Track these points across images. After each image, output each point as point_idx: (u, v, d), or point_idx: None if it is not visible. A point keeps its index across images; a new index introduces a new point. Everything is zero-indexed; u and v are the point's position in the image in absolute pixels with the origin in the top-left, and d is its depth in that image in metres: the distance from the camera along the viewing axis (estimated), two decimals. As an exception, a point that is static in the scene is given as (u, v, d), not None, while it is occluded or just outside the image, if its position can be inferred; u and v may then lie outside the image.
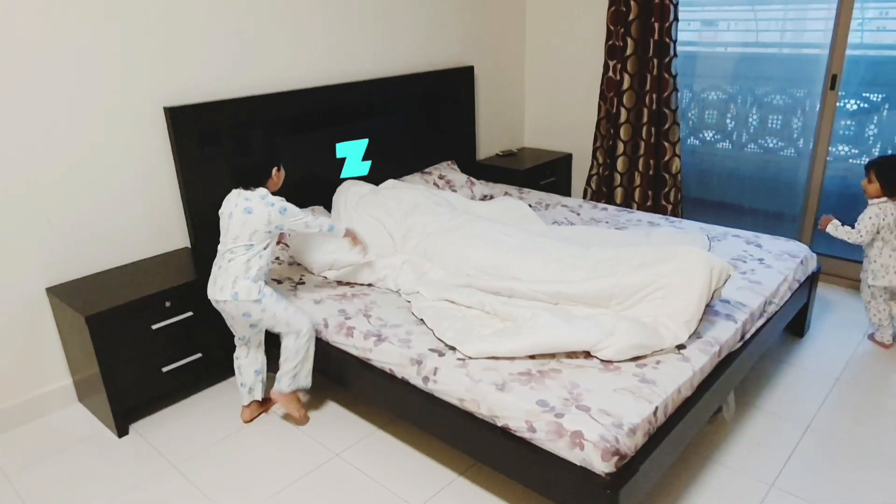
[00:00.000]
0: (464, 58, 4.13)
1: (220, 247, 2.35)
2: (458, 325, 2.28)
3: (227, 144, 2.97)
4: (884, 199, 2.76)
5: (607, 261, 2.49)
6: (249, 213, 2.28)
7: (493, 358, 2.10)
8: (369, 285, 2.74)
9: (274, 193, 2.38)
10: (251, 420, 2.58)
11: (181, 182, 2.87)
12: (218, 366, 2.78)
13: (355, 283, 2.76)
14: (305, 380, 2.46)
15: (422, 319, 2.39)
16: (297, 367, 2.42)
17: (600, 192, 4.26)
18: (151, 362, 2.56)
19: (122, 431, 2.53)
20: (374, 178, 3.61)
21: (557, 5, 4.32)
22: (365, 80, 3.52)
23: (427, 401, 2.13)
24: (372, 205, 3.09)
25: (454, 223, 2.89)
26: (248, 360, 2.53)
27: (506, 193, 3.88)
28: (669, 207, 4.02)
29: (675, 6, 3.68)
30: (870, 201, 2.79)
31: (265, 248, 2.34)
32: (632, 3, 3.76)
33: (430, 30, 3.86)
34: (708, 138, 4.19)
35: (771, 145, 3.95)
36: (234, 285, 2.27)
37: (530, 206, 3.64)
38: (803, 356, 2.90)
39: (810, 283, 2.91)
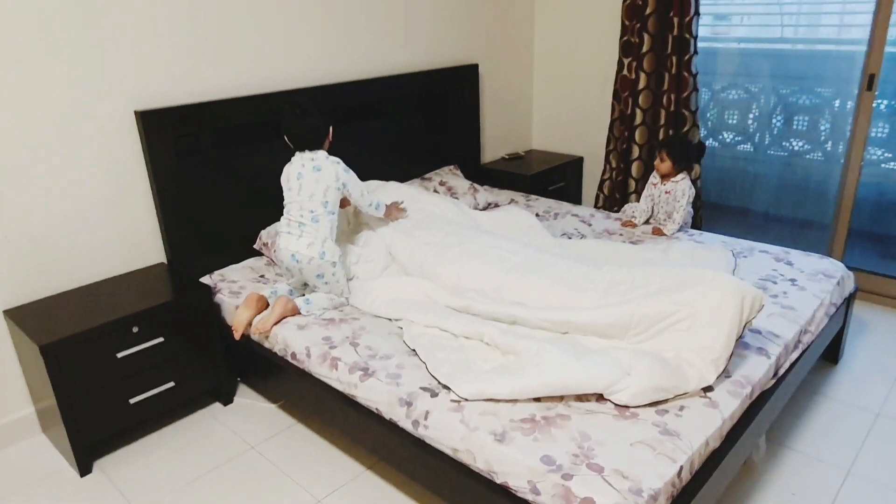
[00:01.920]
0: (468, 55, 3.86)
1: (290, 206, 2.45)
2: (455, 359, 2.02)
3: (206, 150, 2.73)
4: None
5: (622, 284, 2.22)
6: (319, 171, 2.43)
7: (493, 400, 1.85)
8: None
9: None
10: (248, 315, 2.43)
11: (155, 192, 2.63)
12: (193, 395, 2.54)
13: (343, 309, 2.51)
14: (316, 308, 2.45)
15: (414, 350, 2.14)
16: (316, 302, 2.44)
17: (613, 198, 3.99)
18: (117, 393, 2.32)
19: (84, 469, 2.29)
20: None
21: (568, -2, 4.04)
22: (359, 79, 3.27)
23: (417, 447, 1.88)
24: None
25: (454, 237, 2.63)
26: (287, 287, 2.56)
27: (511, 201, 3.62)
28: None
29: (696, -1, 3.40)
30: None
31: (335, 214, 2.47)
32: (648, -5, 3.48)
33: (430, 26, 3.59)
34: (728, 140, 3.91)
35: (796, 148, 3.67)
36: (324, 245, 2.41)
37: (538, 215, 3.38)
38: (838, 386, 2.63)
39: (846, 304, 2.63)
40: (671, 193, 3.06)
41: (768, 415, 2.01)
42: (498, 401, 1.84)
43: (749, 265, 2.66)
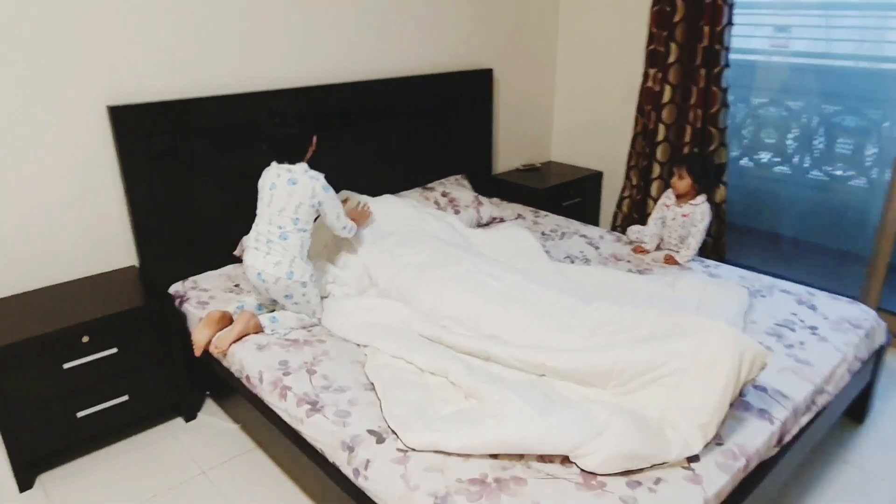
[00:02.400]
0: (482, 59, 3.63)
1: (259, 219, 2.28)
2: (413, 399, 1.81)
3: (185, 149, 2.58)
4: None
5: (610, 323, 1.98)
6: (294, 185, 2.23)
7: (443, 452, 1.63)
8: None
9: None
10: (208, 334, 2.24)
11: (126, 192, 2.48)
12: (150, 410, 2.39)
13: (311, 329, 2.32)
14: (282, 327, 2.28)
15: (373, 384, 1.94)
16: (283, 321, 2.27)
17: (631, 217, 3.71)
18: (63, 407, 2.18)
19: (24, 484, 2.16)
20: (367, 192, 3.16)
21: (595, 1, 3.77)
22: (362, 80, 3.08)
23: (358, 500, 1.67)
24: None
25: (437, 258, 2.42)
26: (255, 302, 2.40)
27: (518, 216, 3.38)
28: (710, 243, 3.44)
29: (731, 7, 3.10)
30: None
31: (308, 231, 2.29)
32: (677, 1, 3.19)
33: (442, 26, 3.38)
34: (763, 160, 3.59)
35: (838, 173, 3.34)
36: (292, 264, 2.23)
37: (543, 234, 3.14)
38: (863, 451, 2.32)
39: (876, 358, 2.32)
40: (689, 217, 2.79)
41: (768, 491, 1.74)
42: (449, 454, 1.62)
43: (766, 306, 2.37)
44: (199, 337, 2.23)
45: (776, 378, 1.93)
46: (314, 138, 2.31)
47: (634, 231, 3.03)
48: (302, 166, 2.28)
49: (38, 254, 2.39)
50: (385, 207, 2.78)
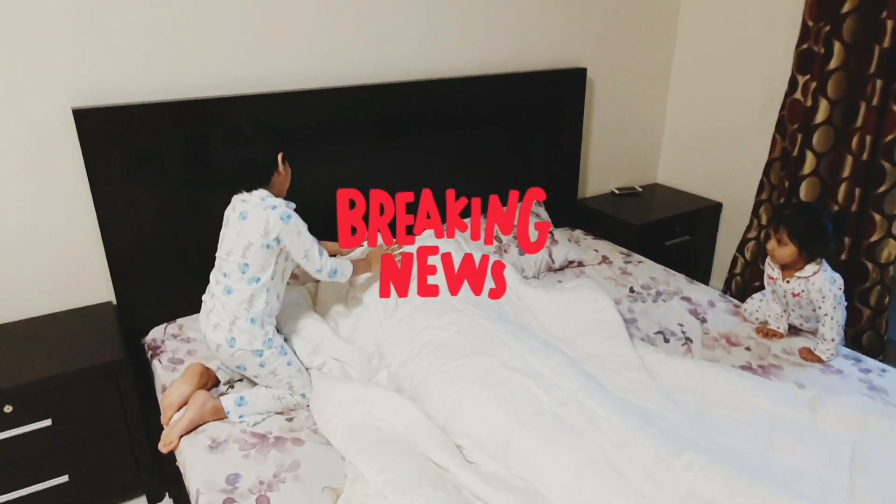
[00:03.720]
0: (572, 54, 2.89)
1: (216, 266, 1.77)
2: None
3: (173, 162, 2.06)
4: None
5: (704, 496, 1.25)
6: (244, 220, 1.69)
7: None
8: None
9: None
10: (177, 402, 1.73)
11: (98, 212, 1.99)
12: (92, 492, 1.91)
13: (294, 415, 1.74)
14: (252, 411, 1.72)
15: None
16: (253, 402, 1.72)
17: (755, 268, 2.85)
18: (-21, 490, 1.74)
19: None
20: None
21: (730, -15, 2.92)
22: (414, 80, 2.44)
23: None
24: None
25: (467, 338, 1.76)
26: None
27: (602, 260, 2.64)
28: (868, 315, 2.54)
29: (931, -7, 2.19)
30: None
31: (272, 279, 1.72)
32: (850, -15, 2.31)
33: (517, 12, 2.67)
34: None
35: None
36: (233, 327, 1.68)
37: (632, 290, 2.39)
38: None
39: None
40: (801, 297, 1.99)
41: None
42: None
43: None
44: (170, 399, 1.72)
45: None
46: (279, 159, 1.74)
47: (755, 303, 2.20)
48: (258, 194, 1.72)
49: (-11, 285, 1.97)
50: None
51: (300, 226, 1.72)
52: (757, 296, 2.20)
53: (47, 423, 1.77)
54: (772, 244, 1.99)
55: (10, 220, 1.94)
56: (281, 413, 1.75)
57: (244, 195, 1.73)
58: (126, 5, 1.91)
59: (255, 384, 1.80)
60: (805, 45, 2.52)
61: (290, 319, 1.89)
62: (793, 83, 2.59)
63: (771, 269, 2.06)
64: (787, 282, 2.00)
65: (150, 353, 2.03)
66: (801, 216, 1.96)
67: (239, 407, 1.71)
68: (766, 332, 2.09)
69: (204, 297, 1.78)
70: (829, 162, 2.52)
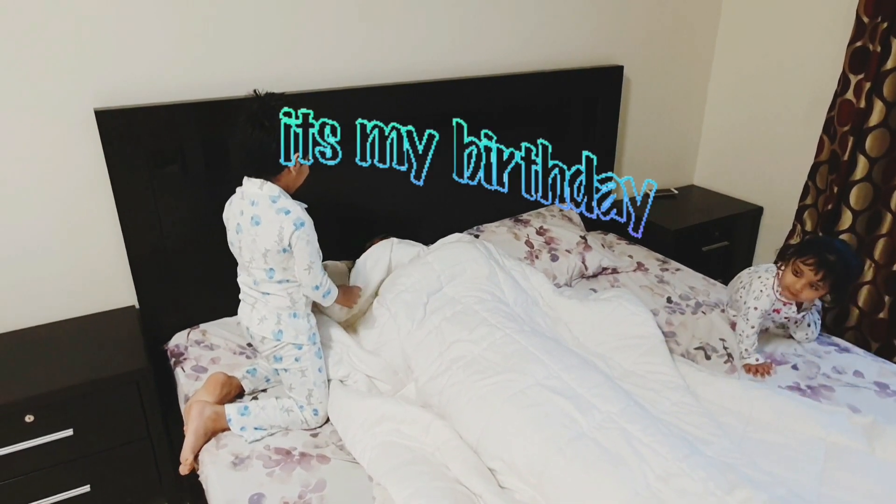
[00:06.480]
0: (608, 52, 2.77)
1: (239, 268, 1.73)
2: None
3: (193, 160, 2.01)
4: None
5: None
6: (258, 225, 1.60)
7: None
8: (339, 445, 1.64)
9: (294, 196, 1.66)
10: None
11: (120, 213, 1.94)
12: (114, 502, 1.87)
13: (317, 432, 1.68)
14: (255, 424, 1.66)
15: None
16: (257, 414, 1.66)
17: (799, 276, 2.72)
18: (2, 498, 1.71)
19: None
20: (442, 222, 2.46)
21: (776, -22, 2.78)
22: (445, 79, 2.36)
23: None
24: (402, 283, 1.97)
25: (500, 354, 1.67)
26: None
27: (638, 267, 2.54)
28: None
29: None
30: None
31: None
32: (912, -23, 2.17)
33: (552, 9, 2.56)
34: None
35: None
36: (279, 321, 1.67)
37: (669, 301, 2.28)
38: None
39: None
40: (790, 319, 2.00)
41: None
42: None
43: None
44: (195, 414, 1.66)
45: None
46: (295, 157, 1.61)
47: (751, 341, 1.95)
48: (268, 191, 1.60)
49: (13, 288, 1.93)
50: (441, 262, 2.04)
51: (311, 235, 1.63)
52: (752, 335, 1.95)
53: (69, 432, 1.73)
54: (801, 284, 1.81)
55: (32, 222, 1.90)
56: (285, 430, 1.68)
57: (251, 191, 1.62)
58: (148, 6, 1.85)
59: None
60: (859, 43, 2.38)
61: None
62: (844, 83, 2.46)
63: (777, 299, 1.90)
64: (792, 306, 1.91)
65: (172, 360, 1.98)
66: (841, 263, 1.77)
67: (242, 417, 1.65)
68: (755, 369, 1.89)
69: (242, 295, 1.73)
70: (885, 168, 2.39)
